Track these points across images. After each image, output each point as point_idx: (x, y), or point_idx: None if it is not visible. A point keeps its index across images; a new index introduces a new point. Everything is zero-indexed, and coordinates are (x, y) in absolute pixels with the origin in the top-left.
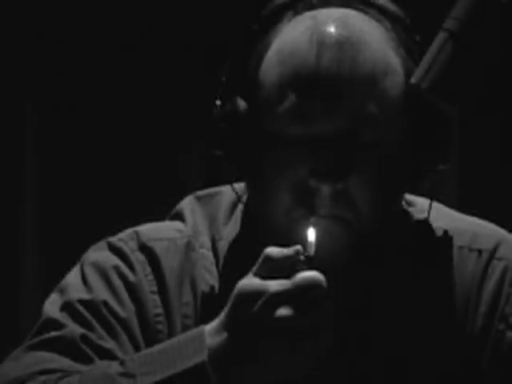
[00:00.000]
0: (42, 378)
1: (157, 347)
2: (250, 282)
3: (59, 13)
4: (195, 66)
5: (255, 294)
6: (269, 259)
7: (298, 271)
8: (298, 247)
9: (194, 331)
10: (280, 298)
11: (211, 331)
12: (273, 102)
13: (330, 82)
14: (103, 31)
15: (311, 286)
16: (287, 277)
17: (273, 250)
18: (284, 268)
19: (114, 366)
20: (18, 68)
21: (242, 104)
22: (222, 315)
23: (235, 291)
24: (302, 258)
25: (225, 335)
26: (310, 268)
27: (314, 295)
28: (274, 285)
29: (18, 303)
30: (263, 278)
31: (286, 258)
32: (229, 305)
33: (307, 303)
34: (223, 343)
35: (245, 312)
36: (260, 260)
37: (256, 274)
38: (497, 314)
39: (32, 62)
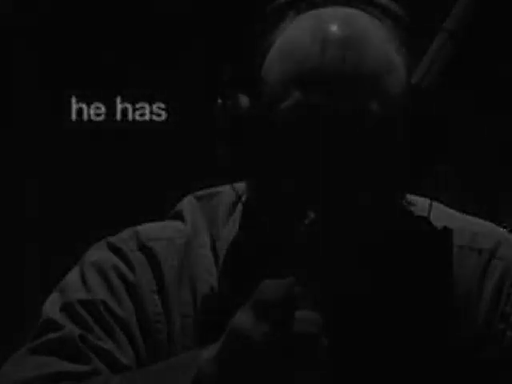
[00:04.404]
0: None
1: (148, 368)
2: (241, 321)
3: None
4: (196, 66)
5: (246, 337)
6: (262, 301)
7: (294, 309)
8: (292, 279)
9: (188, 356)
10: (269, 347)
11: (206, 358)
12: (276, 99)
13: (332, 79)
14: (105, 34)
15: (305, 338)
16: (283, 306)
17: (267, 287)
18: (279, 306)
19: None
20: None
21: (244, 101)
22: (218, 345)
23: (229, 326)
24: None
25: (217, 367)
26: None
27: (308, 347)
28: (261, 335)
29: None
30: (257, 314)
31: (281, 297)
32: (223, 338)
33: (300, 353)
34: (216, 374)
35: (237, 351)
36: (254, 295)
37: (252, 308)
38: (497, 314)
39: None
